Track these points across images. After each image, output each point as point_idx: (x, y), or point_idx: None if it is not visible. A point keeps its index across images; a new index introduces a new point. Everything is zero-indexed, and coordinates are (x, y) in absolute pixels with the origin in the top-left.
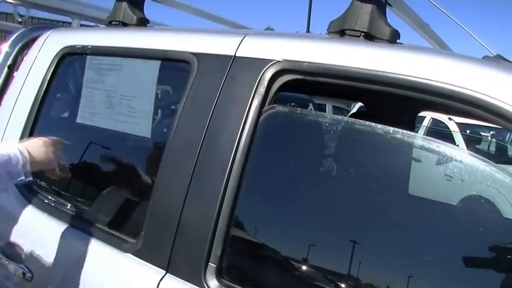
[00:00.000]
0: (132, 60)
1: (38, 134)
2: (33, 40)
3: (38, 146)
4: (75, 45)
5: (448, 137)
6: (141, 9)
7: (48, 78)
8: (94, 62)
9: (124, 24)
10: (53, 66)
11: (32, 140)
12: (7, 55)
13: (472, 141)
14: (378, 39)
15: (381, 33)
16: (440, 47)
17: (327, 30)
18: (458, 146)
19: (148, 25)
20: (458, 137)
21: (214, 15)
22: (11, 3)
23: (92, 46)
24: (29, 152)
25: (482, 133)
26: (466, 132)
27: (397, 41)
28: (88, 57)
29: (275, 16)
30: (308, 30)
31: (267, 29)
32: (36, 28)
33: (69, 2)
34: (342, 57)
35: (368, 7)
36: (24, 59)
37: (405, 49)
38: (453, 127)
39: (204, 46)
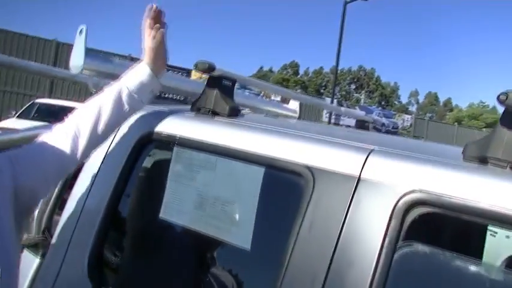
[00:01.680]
0: (230, 161)
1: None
2: None
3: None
4: (160, 132)
5: None
6: (232, 97)
7: (128, 165)
8: (183, 155)
9: (214, 113)
10: (134, 153)
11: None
12: None
13: None
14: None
15: None
16: None
17: (462, 152)
18: None
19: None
20: None
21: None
22: (86, 75)
23: (181, 137)
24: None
25: None
26: None
27: None
28: (175, 147)
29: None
30: (337, 64)
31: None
32: None
33: None
34: (486, 192)
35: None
36: None
37: None
38: None
39: (321, 160)
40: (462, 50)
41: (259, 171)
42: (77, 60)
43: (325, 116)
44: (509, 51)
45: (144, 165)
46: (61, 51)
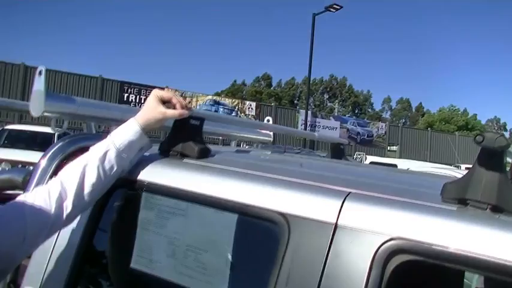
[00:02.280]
0: (202, 208)
1: (84, 281)
2: (74, 154)
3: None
4: (128, 178)
5: None
6: (201, 137)
7: (96, 214)
8: (152, 201)
9: (183, 156)
10: (101, 200)
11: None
12: (43, 171)
13: None
14: (507, 212)
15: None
16: None
17: (441, 194)
18: None
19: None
20: None
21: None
22: (49, 116)
23: (149, 182)
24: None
25: None
26: None
27: None
28: (145, 193)
29: (273, 61)
30: (309, 75)
31: (264, 75)
32: (77, 140)
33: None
34: (466, 238)
35: (495, 176)
36: None
37: None
38: None
39: (295, 206)
40: (431, 54)
41: (232, 219)
42: (37, 102)
43: (300, 128)
44: (477, 55)
45: (113, 213)
46: (30, 75)
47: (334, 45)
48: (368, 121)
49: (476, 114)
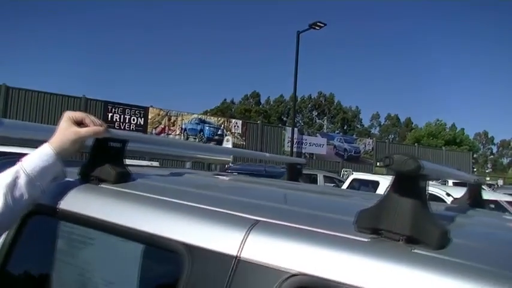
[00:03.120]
0: (110, 237)
1: None
2: None
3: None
4: (43, 204)
5: None
6: (122, 160)
7: (10, 241)
8: (64, 228)
9: (100, 180)
10: (17, 228)
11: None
12: None
13: None
14: (422, 244)
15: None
16: None
17: (355, 223)
18: None
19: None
20: None
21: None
22: None
23: (62, 209)
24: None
25: None
26: None
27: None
28: (58, 221)
29: (262, 79)
30: (295, 92)
31: (253, 93)
32: None
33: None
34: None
35: (410, 203)
36: None
37: None
38: None
39: (196, 237)
40: (419, 69)
41: (137, 249)
42: None
43: (287, 146)
44: (465, 69)
45: (29, 242)
46: (12, 96)
47: (323, 62)
48: (355, 137)
49: (463, 129)
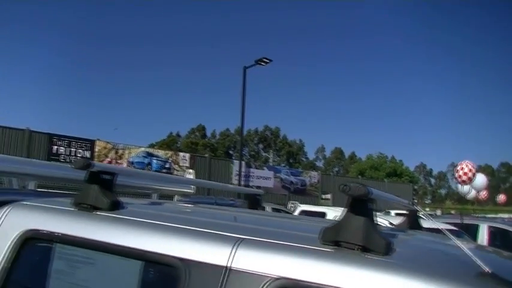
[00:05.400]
0: (108, 256)
1: None
2: None
3: None
4: (39, 230)
5: None
6: (112, 190)
7: (7, 265)
8: (63, 252)
9: (95, 208)
10: (14, 253)
11: None
12: None
13: None
14: (373, 252)
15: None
16: None
17: (320, 237)
18: None
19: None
20: None
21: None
22: None
23: (61, 234)
24: None
25: None
26: None
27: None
28: (56, 245)
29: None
30: (242, 126)
31: (199, 126)
32: None
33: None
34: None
35: (361, 220)
36: None
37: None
38: None
39: (191, 252)
40: (360, 104)
41: (136, 266)
42: None
43: (234, 179)
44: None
45: (27, 265)
46: (34, 140)
47: (267, 96)
48: (301, 170)
49: (401, 160)
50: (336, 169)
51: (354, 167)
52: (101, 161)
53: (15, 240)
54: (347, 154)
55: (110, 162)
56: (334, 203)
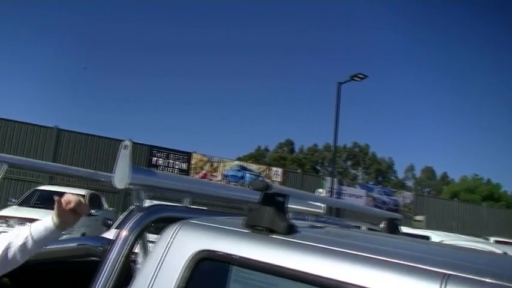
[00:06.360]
0: (292, 283)
1: None
2: (149, 224)
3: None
4: (215, 251)
5: None
6: (285, 213)
7: (183, 285)
8: (239, 275)
9: (271, 231)
10: (189, 272)
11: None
12: (124, 241)
13: None
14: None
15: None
16: None
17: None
18: None
19: None
20: None
21: None
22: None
23: (238, 256)
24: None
25: None
26: None
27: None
28: (233, 267)
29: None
30: (335, 143)
31: (287, 141)
32: (154, 211)
33: None
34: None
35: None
36: (147, 258)
37: None
38: None
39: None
40: (453, 123)
41: None
42: (122, 175)
43: (326, 195)
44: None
45: (200, 285)
46: (62, 139)
47: (356, 113)
48: (394, 190)
49: (499, 183)
50: (427, 189)
51: (447, 188)
52: (197, 173)
53: (189, 259)
54: (438, 174)
55: (205, 175)
56: (428, 225)
